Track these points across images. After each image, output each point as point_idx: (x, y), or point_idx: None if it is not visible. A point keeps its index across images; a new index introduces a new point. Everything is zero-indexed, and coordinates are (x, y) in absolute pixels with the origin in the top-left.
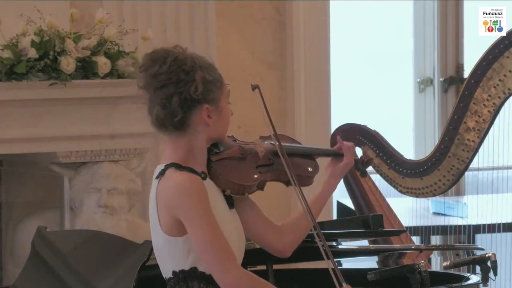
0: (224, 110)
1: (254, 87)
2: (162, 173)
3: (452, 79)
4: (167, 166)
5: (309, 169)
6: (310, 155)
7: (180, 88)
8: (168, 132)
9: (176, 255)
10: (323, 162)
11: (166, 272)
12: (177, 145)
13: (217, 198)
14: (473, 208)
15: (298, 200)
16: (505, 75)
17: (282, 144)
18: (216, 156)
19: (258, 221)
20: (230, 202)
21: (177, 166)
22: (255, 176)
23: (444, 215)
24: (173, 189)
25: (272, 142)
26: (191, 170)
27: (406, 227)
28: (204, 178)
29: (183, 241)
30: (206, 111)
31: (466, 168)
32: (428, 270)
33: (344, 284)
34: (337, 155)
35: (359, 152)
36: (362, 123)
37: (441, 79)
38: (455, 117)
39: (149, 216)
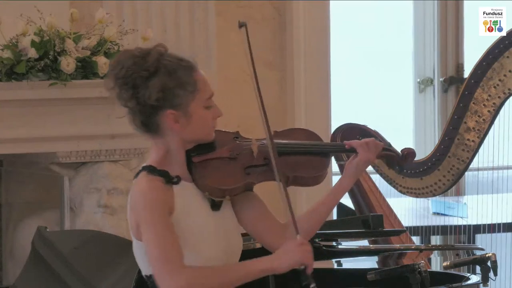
0: (195, 115)
1: (242, 24)
2: (136, 175)
3: (452, 79)
4: (143, 169)
5: (311, 169)
6: (317, 153)
7: (137, 94)
8: (141, 134)
9: (143, 259)
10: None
11: (143, 274)
12: (155, 146)
13: (196, 200)
14: (473, 208)
15: (299, 199)
16: (505, 75)
17: (281, 142)
18: (198, 158)
19: (257, 220)
20: (215, 204)
21: (150, 170)
22: (239, 178)
23: (444, 215)
24: (136, 194)
25: (273, 141)
26: (163, 174)
27: (406, 227)
28: (176, 183)
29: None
30: (172, 116)
31: (466, 168)
32: (428, 270)
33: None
34: (350, 151)
35: None
36: (362, 123)
37: (441, 79)
38: (455, 117)
39: None
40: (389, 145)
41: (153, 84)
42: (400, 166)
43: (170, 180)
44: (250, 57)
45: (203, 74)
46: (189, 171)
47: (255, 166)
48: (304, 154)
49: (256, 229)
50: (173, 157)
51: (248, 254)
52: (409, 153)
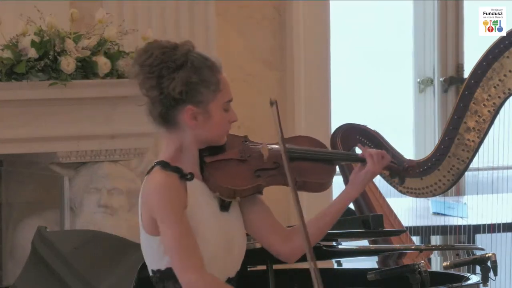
0: (213, 115)
1: (273, 103)
2: (150, 170)
3: (452, 79)
4: (156, 164)
5: (319, 175)
6: (326, 160)
7: (161, 84)
8: (157, 126)
9: (153, 254)
10: None
11: (149, 270)
12: (169, 141)
13: (205, 200)
14: (473, 208)
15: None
16: (505, 75)
17: (292, 147)
18: (210, 158)
19: (262, 224)
20: (225, 204)
21: (164, 165)
22: (250, 180)
23: (444, 215)
24: (151, 189)
25: (285, 146)
26: (177, 170)
27: (406, 227)
28: (190, 179)
29: (160, 241)
30: (190, 112)
31: (466, 168)
32: (428, 270)
33: None
34: (360, 161)
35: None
36: (362, 123)
37: (441, 79)
38: (455, 117)
39: None
40: (392, 155)
41: (178, 77)
42: (402, 178)
43: (184, 176)
44: (281, 134)
45: (226, 77)
46: (200, 171)
47: (265, 170)
48: (313, 160)
49: (261, 233)
50: (185, 154)
51: (248, 253)
52: (410, 166)
